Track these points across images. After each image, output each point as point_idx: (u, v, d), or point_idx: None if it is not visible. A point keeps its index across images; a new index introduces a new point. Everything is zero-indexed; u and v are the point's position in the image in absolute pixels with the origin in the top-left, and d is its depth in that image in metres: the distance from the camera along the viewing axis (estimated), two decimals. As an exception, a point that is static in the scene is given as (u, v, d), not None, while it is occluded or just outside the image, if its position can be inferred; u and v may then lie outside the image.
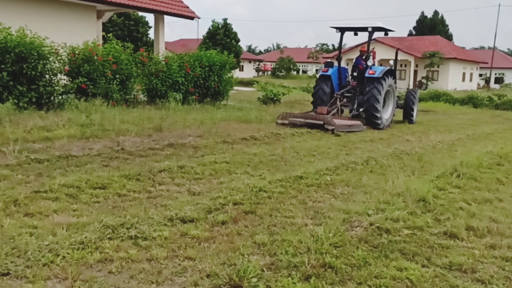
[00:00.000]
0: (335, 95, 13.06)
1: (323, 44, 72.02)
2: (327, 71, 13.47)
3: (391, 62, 16.23)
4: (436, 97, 25.31)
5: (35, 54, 10.66)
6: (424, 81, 51.82)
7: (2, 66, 10.12)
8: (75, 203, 4.56)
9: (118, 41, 13.51)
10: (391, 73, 13.33)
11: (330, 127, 10.91)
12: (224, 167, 6.54)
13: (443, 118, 17.44)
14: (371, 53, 13.53)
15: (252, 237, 3.95)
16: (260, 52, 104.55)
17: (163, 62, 14.54)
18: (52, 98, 11.30)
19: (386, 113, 13.24)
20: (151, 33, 42.92)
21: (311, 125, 11.24)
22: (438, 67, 51.27)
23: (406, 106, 14.64)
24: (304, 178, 6.15)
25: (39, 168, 5.82)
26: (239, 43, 50.80)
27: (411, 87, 49.29)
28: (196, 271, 3.27)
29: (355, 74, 13.60)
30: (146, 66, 14.33)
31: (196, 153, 7.49)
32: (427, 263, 3.64)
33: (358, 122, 11.85)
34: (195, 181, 5.71)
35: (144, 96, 14.54)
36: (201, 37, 53.21)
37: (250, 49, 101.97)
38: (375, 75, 12.53)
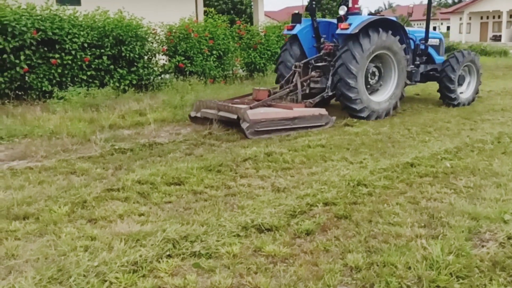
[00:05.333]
0: (293, 67, 8.19)
1: (441, -2, 65.37)
2: (292, 28, 8.68)
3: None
4: None
5: (133, 36, 10.63)
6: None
7: (102, 50, 10.22)
8: (144, 205, 4.08)
9: (219, 15, 13.08)
10: (387, 25, 8.08)
11: (244, 125, 6.61)
12: (318, 152, 5.66)
13: None
14: None
15: (343, 256, 3.08)
16: (371, 13, 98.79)
17: (261, 34, 13.82)
18: (151, 79, 11.29)
19: (382, 94, 8.25)
20: (255, 4, 42.55)
21: (226, 120, 7.13)
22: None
23: (440, 80, 9.37)
24: (415, 165, 5.04)
25: (120, 159, 5.51)
26: (346, 6, 48.21)
27: (503, 41, 42.26)
28: (264, 310, 2.53)
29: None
30: (244, 39, 13.75)
31: (289, 135, 6.70)
32: None
33: (317, 112, 7.28)
34: (282, 172, 4.94)
35: (243, 70, 14.04)
36: (307, 3, 51.56)
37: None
38: (348, 31, 7.59)
